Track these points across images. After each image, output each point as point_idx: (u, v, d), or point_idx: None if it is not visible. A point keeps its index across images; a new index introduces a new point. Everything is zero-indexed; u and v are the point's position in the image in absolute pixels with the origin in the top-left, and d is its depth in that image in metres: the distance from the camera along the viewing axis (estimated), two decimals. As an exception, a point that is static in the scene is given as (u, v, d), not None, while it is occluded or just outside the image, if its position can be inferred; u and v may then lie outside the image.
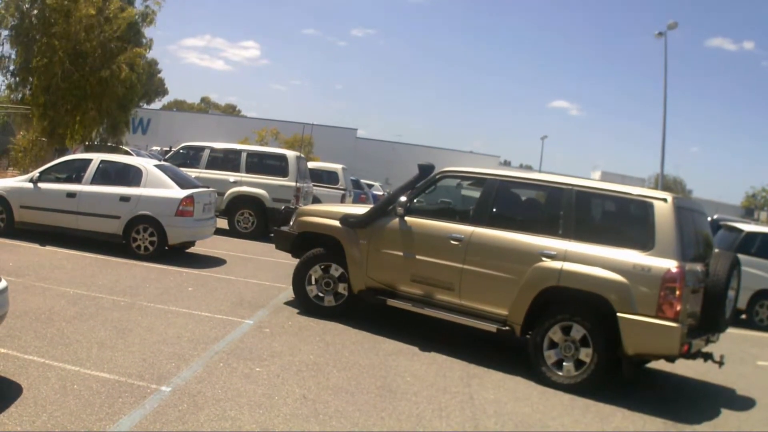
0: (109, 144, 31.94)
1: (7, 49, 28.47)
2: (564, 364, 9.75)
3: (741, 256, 11.27)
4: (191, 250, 17.50)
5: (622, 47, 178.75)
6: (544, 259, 9.96)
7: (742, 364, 13.15)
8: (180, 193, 15.85)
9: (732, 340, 14.07)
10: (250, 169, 23.35)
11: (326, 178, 30.47)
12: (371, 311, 12.40)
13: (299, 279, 12.32)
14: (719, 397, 10.79)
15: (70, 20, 27.11)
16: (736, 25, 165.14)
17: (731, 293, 10.31)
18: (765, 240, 18.92)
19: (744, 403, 10.55)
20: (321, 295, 12.18)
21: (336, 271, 12.10)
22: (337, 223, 11.95)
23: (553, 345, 9.88)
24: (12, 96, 29.58)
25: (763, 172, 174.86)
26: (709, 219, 12.84)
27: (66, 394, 7.16)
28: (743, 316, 18.19)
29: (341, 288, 12.08)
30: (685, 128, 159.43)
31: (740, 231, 19.39)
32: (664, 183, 51.69)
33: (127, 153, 30.04)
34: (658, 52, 71.48)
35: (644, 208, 9.81)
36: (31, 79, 27.99)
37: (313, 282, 12.23)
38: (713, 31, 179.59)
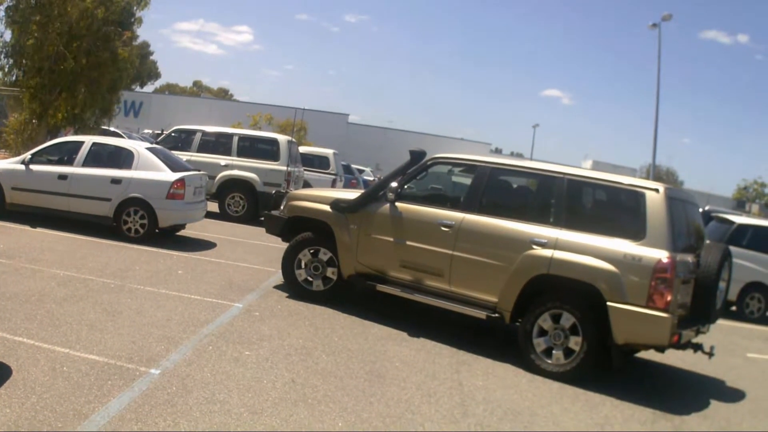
0: (102, 127, 31.83)
1: (1, 29, 28.39)
2: (553, 352, 9.76)
3: (732, 248, 11.28)
4: (181, 233, 17.49)
5: (616, 37, 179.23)
6: (534, 246, 9.96)
7: (732, 356, 13.19)
8: (171, 176, 15.82)
9: (722, 332, 14.13)
10: (241, 153, 23.38)
11: (317, 162, 30.36)
12: (361, 296, 12.40)
13: (288, 263, 12.32)
14: (709, 388, 10.82)
15: (66, 2, 26.98)
16: (730, 18, 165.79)
17: (722, 284, 10.32)
18: (756, 232, 18.97)
19: (733, 395, 10.58)
20: (310, 279, 12.19)
21: (324, 255, 12.11)
22: (327, 207, 11.94)
23: (542, 333, 9.88)
24: (5, 78, 29.45)
25: (755, 165, 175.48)
26: (700, 210, 12.82)
27: (55, 377, 7.15)
28: (733, 308, 18.23)
29: (330, 272, 12.09)
30: (678, 119, 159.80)
31: (731, 223, 19.41)
32: (655, 173, 51.77)
33: (117, 135, 29.97)
34: (652, 43, 71.30)
35: (636, 197, 9.80)
36: (24, 61, 27.88)
37: (302, 266, 12.23)
38: (708, 24, 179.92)
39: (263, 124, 60.76)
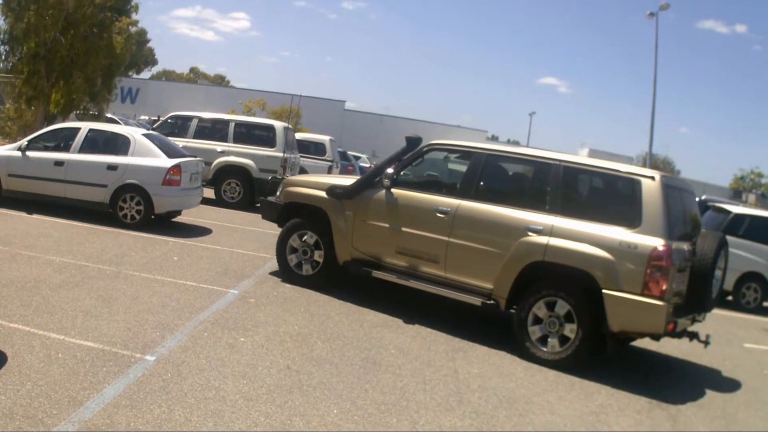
0: (92, 112, 31.76)
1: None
2: (549, 339, 9.77)
3: (728, 238, 11.26)
4: (177, 219, 17.48)
5: (613, 26, 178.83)
6: (530, 233, 9.95)
7: (729, 346, 13.19)
8: (167, 162, 15.80)
9: (718, 322, 14.15)
10: (237, 140, 23.36)
11: (313, 149, 30.44)
12: (356, 282, 12.41)
13: (281, 248, 12.41)
14: (705, 377, 10.82)
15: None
16: (728, 8, 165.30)
17: (718, 273, 10.30)
18: (753, 222, 18.96)
19: (729, 385, 10.58)
20: (301, 263, 12.27)
21: (311, 238, 12.16)
22: (323, 193, 11.95)
23: (537, 320, 9.89)
24: (1, 65, 29.43)
25: (752, 155, 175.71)
26: (696, 199, 12.81)
27: (50, 363, 7.16)
28: (729, 298, 18.28)
29: (317, 256, 12.14)
30: (675, 109, 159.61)
31: (728, 212, 19.37)
32: (652, 162, 51.73)
33: (113, 122, 29.94)
34: (650, 32, 71.37)
35: (632, 185, 9.78)
36: (20, 47, 27.85)
37: (293, 251, 12.32)
38: (705, 13, 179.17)
39: (257, 110, 60.69)
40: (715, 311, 10.88)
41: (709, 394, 9.89)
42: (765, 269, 18.31)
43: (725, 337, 13.74)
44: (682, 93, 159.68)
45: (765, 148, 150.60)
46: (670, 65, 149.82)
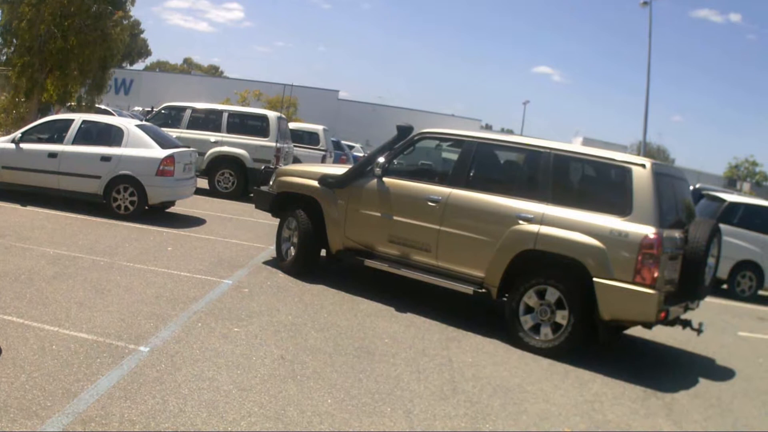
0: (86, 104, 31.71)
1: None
2: (541, 328, 9.77)
3: (723, 227, 11.27)
4: (171, 209, 17.48)
5: (608, 14, 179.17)
6: (521, 222, 9.95)
7: (723, 334, 13.23)
8: (161, 153, 15.80)
9: (713, 310, 14.16)
10: (231, 130, 23.38)
11: (307, 138, 30.49)
12: (350, 272, 12.45)
13: (278, 238, 12.61)
14: (699, 366, 10.82)
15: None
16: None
17: (711, 261, 10.30)
18: (747, 210, 19.06)
19: (724, 373, 10.59)
20: (288, 250, 12.44)
21: (291, 223, 12.33)
22: (315, 183, 11.98)
23: (529, 310, 9.90)
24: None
25: (746, 144, 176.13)
26: (691, 188, 12.80)
27: (44, 355, 7.16)
28: (724, 287, 18.35)
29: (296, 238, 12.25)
30: (669, 97, 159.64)
31: (722, 201, 19.43)
32: (646, 151, 51.80)
33: (107, 113, 29.88)
34: (644, 20, 71.34)
35: (622, 173, 9.76)
36: (14, 40, 27.79)
37: (284, 238, 12.50)
38: (700, 2, 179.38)
39: (252, 101, 60.70)
40: (710, 300, 10.90)
41: (704, 382, 9.90)
42: (760, 257, 18.38)
43: (720, 326, 13.78)
44: (676, 82, 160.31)
45: (759, 137, 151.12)
46: (664, 54, 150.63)
